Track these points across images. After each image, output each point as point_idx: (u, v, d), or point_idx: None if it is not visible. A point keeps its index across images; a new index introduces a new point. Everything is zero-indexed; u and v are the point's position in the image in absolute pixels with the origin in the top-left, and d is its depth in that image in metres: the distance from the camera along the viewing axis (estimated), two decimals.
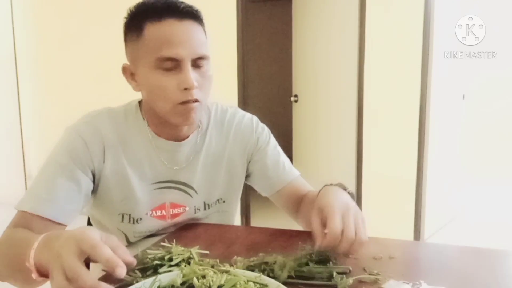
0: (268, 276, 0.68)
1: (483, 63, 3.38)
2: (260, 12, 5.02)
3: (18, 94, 3.83)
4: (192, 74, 0.85)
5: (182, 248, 0.78)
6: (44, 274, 0.62)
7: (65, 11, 3.56)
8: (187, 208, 1.00)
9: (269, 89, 5.21)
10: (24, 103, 3.84)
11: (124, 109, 0.98)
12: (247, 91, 3.14)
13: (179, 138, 0.97)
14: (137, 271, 0.72)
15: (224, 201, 1.04)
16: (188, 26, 0.86)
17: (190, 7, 0.87)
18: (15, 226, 0.82)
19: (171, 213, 0.99)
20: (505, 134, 4.49)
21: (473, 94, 3.83)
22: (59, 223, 0.84)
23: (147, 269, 0.73)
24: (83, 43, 3.51)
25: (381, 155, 2.95)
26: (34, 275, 0.62)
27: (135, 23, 0.87)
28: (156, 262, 0.74)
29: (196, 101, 0.87)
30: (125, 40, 0.91)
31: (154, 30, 0.84)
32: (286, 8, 4.15)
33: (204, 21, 0.91)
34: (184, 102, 0.86)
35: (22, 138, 3.88)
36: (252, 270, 0.69)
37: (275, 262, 0.71)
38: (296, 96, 3.68)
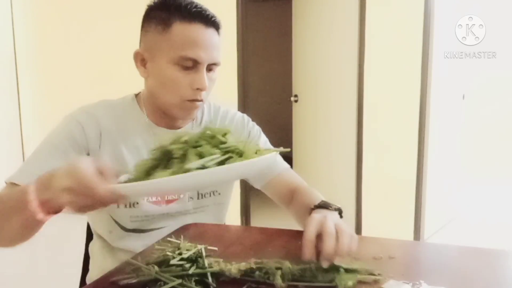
0: (268, 279, 0.67)
1: (483, 63, 3.39)
2: (260, 12, 5.02)
3: (18, 94, 3.82)
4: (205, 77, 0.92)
5: (190, 244, 0.78)
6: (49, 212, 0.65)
7: (65, 11, 3.56)
8: (181, 195, 1.03)
9: (269, 89, 5.21)
10: (24, 103, 3.84)
11: (121, 100, 1.03)
12: (247, 91, 3.14)
13: (174, 128, 1.03)
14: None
15: (219, 194, 1.08)
16: (212, 33, 0.94)
17: (216, 17, 0.96)
18: None
19: (166, 198, 1.02)
20: (505, 134, 4.49)
21: (473, 94, 3.83)
22: None
23: (160, 263, 0.72)
24: (83, 43, 3.51)
25: (381, 155, 2.95)
26: (40, 215, 0.64)
27: (162, 16, 0.91)
28: (168, 252, 0.74)
29: (201, 100, 0.94)
30: (144, 27, 0.95)
31: (183, 30, 0.90)
32: (286, 8, 4.15)
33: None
34: (192, 100, 0.93)
35: (22, 138, 3.87)
36: (253, 272, 0.69)
37: (280, 268, 0.70)
38: (296, 96, 3.68)
